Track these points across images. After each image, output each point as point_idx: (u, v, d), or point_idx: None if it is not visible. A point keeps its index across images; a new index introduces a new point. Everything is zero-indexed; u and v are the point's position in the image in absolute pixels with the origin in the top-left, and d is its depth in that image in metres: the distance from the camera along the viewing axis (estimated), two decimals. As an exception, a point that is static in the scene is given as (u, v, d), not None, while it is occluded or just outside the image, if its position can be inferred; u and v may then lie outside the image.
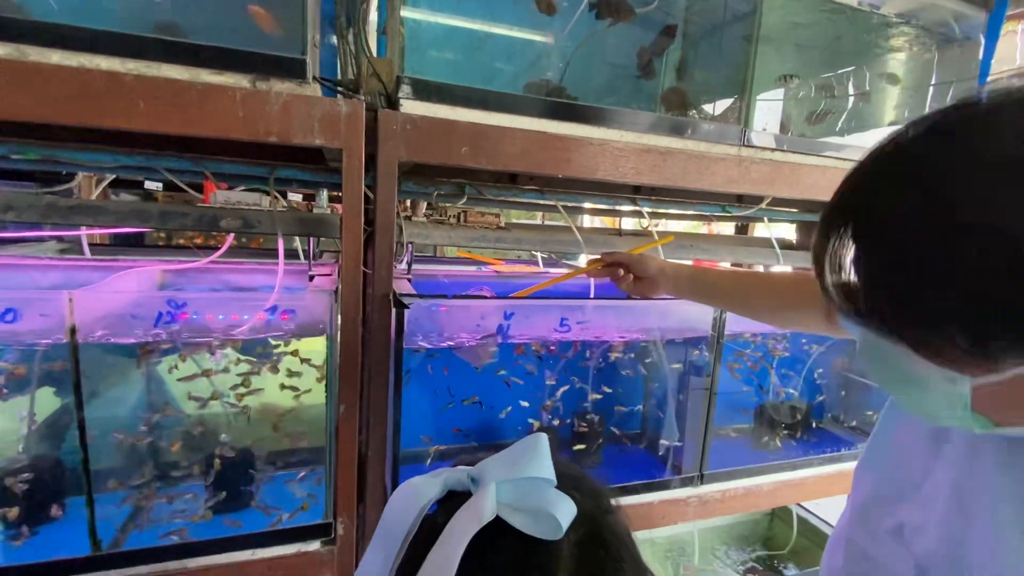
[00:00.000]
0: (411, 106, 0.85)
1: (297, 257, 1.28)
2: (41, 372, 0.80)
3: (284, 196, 1.31)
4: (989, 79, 1.28)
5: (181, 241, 1.77)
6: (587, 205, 1.29)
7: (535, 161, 0.91)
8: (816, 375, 1.42)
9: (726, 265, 1.64)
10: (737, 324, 1.17)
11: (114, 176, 1.09)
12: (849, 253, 0.38)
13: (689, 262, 1.13)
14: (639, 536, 0.39)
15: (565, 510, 0.33)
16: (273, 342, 0.90)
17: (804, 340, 1.37)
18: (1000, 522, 0.46)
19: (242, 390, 0.89)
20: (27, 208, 0.77)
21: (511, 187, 1.13)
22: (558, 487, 0.35)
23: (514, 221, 1.50)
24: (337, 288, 0.84)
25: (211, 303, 0.88)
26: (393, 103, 0.85)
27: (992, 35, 1.26)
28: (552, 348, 1.10)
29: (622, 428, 1.23)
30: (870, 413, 1.45)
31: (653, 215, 1.26)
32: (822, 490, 1.31)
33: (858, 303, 0.39)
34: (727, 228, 1.95)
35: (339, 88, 0.84)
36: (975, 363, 0.36)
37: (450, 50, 1.06)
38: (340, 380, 0.86)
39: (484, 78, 1.11)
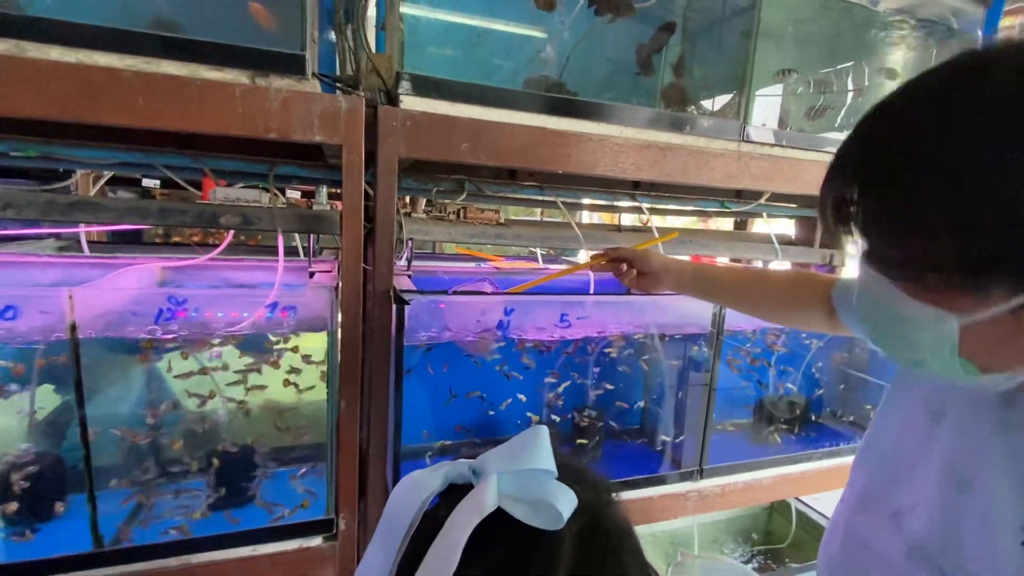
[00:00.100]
0: (411, 102, 0.85)
1: (297, 254, 1.28)
2: (42, 368, 0.80)
3: (283, 193, 1.31)
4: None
5: (179, 239, 1.77)
6: (586, 201, 1.29)
7: (535, 157, 0.91)
8: (815, 370, 1.42)
9: (725, 261, 1.65)
10: (736, 320, 1.17)
11: (112, 174, 1.09)
12: (851, 187, 0.42)
13: (687, 258, 1.14)
14: (639, 531, 0.39)
15: (566, 501, 0.33)
16: (273, 338, 0.90)
17: (803, 336, 1.37)
18: (992, 499, 0.47)
19: (243, 387, 0.89)
20: (26, 205, 0.77)
21: (511, 183, 1.13)
22: (559, 478, 0.36)
23: (512, 218, 1.50)
24: (337, 285, 0.84)
25: (211, 300, 0.88)
26: (393, 99, 0.85)
27: (990, 30, 1.26)
28: (550, 346, 1.11)
29: (622, 423, 1.24)
30: (868, 408, 1.45)
31: (652, 211, 1.26)
32: (821, 484, 1.32)
33: (855, 224, 0.43)
34: (725, 224, 1.95)
35: (338, 84, 0.84)
36: (963, 296, 0.39)
37: (449, 46, 1.06)
38: (341, 376, 0.86)
39: (483, 74, 1.11)
